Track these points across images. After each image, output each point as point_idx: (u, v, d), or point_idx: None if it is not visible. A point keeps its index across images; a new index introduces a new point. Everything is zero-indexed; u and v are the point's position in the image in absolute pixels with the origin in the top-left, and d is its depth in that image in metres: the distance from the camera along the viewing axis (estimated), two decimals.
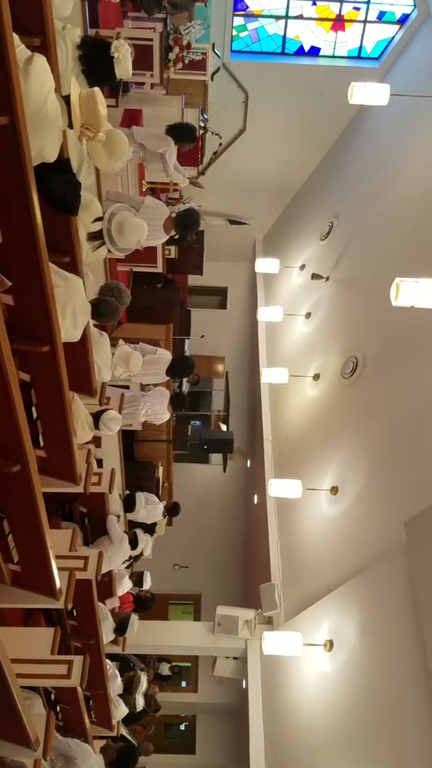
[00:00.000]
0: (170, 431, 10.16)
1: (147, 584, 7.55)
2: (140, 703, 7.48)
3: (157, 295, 10.93)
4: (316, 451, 8.59)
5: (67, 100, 3.38)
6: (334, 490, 7.65)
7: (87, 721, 5.12)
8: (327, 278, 10.44)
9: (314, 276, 10.72)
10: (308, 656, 6.75)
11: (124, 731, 7.34)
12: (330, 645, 6.52)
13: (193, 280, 13.87)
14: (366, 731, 5.74)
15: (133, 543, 6.69)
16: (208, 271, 12.78)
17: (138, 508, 6.94)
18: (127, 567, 6.85)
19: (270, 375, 9.77)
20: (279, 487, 7.92)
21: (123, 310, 4.76)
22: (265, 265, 11.36)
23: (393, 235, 8.81)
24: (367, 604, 6.25)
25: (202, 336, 12.45)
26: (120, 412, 5.72)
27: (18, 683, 3.10)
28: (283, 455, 9.92)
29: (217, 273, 14.11)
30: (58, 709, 4.95)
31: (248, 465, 13.31)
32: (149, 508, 7.35)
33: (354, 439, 7.78)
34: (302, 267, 11.80)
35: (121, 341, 6.23)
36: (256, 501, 11.14)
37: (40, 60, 2.87)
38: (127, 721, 7.36)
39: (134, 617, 6.59)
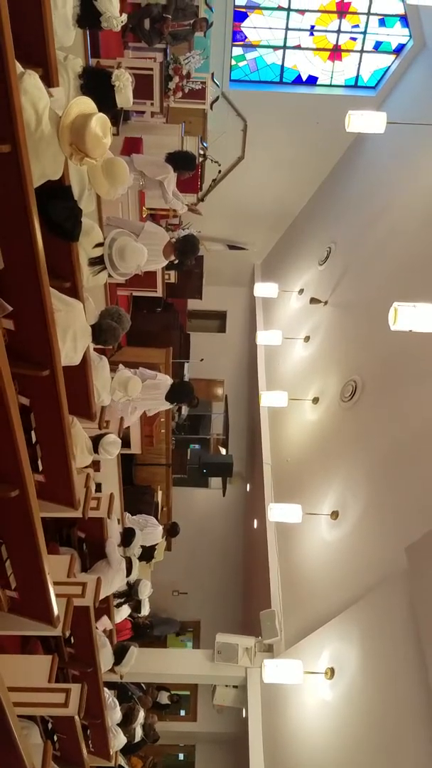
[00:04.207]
0: (169, 455, 10.13)
1: (145, 610, 7.46)
2: (139, 733, 7.36)
3: (157, 319, 10.98)
4: (316, 475, 8.56)
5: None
6: (335, 514, 7.61)
7: (84, 751, 5.03)
8: (325, 302, 10.50)
9: (313, 300, 10.79)
10: (309, 684, 6.65)
11: (122, 761, 7.21)
12: (331, 673, 6.43)
13: (192, 304, 13.95)
14: (368, 760, 5.64)
15: (128, 569, 6.61)
16: (208, 296, 12.85)
17: (135, 543, 6.87)
18: (118, 605, 6.71)
19: (269, 398, 9.78)
20: (279, 512, 7.87)
21: (123, 334, 4.79)
22: (263, 289, 11.44)
23: (391, 260, 8.88)
24: (368, 631, 6.18)
25: (202, 359, 12.48)
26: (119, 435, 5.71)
27: (15, 712, 3.06)
28: (282, 479, 9.89)
29: (216, 297, 14.20)
30: (56, 738, 4.87)
31: (248, 489, 13.25)
32: (147, 530, 7.29)
33: (354, 463, 7.76)
34: (301, 291, 11.88)
35: (120, 365, 6.24)
36: (255, 526, 11.06)
37: (32, 78, 2.86)
38: (125, 751, 7.23)
39: (133, 649, 6.50)
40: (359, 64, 12.56)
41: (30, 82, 2.81)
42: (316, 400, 9.43)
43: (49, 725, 4.79)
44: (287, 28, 12.35)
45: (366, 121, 6.31)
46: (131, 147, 8.00)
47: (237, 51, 12.54)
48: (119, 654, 6.38)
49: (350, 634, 6.41)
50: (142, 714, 6.93)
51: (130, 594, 6.89)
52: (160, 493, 9.96)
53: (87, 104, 3.07)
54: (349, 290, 10.05)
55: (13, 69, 2.33)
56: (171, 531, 8.50)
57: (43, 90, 2.90)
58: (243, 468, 13.48)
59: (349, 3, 12.04)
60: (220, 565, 13.11)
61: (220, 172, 12.63)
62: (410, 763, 5.09)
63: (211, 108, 11.08)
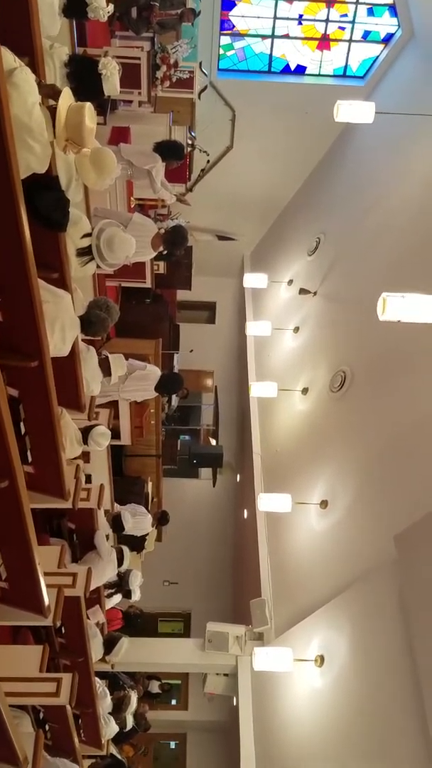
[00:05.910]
0: (159, 446, 10.14)
1: (136, 596, 7.48)
2: (130, 721, 7.39)
3: (146, 311, 10.95)
4: (305, 464, 8.60)
5: (53, 111, 3.37)
6: (324, 504, 7.66)
7: (76, 740, 5.06)
8: (315, 293, 10.51)
9: (302, 291, 10.80)
10: (299, 672, 6.71)
11: (113, 750, 7.25)
12: (321, 660, 6.49)
13: (181, 295, 13.93)
14: (357, 747, 5.71)
15: (119, 560, 6.64)
16: (197, 287, 12.83)
17: (126, 526, 6.89)
18: (108, 596, 6.73)
19: (259, 389, 9.79)
20: (268, 502, 7.91)
21: (111, 326, 4.78)
22: (253, 280, 11.43)
23: (379, 251, 8.89)
24: (357, 619, 6.24)
25: (191, 351, 12.49)
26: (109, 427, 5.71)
27: (6, 701, 3.07)
28: (272, 469, 9.92)
29: (205, 288, 14.18)
30: (47, 727, 4.89)
31: (238, 479, 13.29)
32: (137, 519, 7.30)
33: (343, 453, 7.80)
34: (290, 282, 11.88)
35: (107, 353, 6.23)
36: (245, 515, 11.11)
37: (23, 73, 2.87)
38: (116, 739, 7.27)
39: (123, 639, 6.53)
40: (348, 53, 12.54)
41: (21, 77, 2.81)
42: (305, 391, 9.46)
43: (41, 714, 4.81)
44: (275, 17, 12.29)
45: (354, 111, 6.31)
46: (119, 136, 7.95)
47: (225, 40, 12.47)
48: (109, 644, 6.40)
49: (340, 621, 6.47)
50: (134, 701, 6.96)
51: (120, 584, 6.92)
52: (150, 484, 9.97)
53: (69, 97, 3.20)
54: (338, 281, 10.07)
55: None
56: (161, 519, 8.51)
57: (33, 85, 2.90)
58: (233, 458, 13.52)
59: None
60: (210, 555, 13.16)
61: (208, 161, 12.58)
62: (399, 749, 5.16)
63: (199, 97, 11.03)
